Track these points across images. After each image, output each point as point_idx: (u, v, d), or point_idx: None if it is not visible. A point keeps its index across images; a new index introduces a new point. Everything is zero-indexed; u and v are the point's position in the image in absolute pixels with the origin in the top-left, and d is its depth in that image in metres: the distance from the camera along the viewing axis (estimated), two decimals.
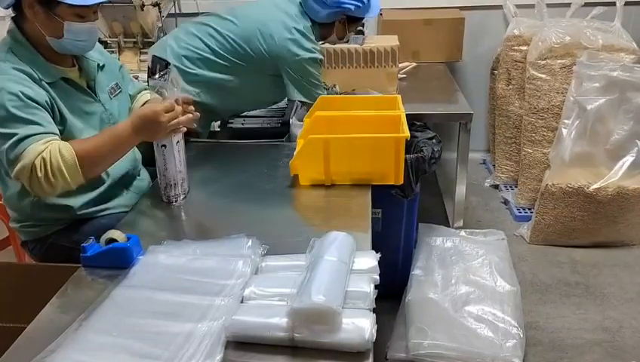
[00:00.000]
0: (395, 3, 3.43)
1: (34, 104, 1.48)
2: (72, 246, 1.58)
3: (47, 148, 1.45)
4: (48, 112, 1.53)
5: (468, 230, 2.58)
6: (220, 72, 2.15)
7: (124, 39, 3.39)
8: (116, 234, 1.36)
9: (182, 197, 1.70)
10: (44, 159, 1.44)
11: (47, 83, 1.56)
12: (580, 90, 2.70)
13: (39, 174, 1.44)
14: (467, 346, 1.89)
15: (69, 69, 1.65)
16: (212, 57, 2.13)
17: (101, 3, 1.55)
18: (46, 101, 1.53)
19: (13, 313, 1.22)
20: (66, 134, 1.58)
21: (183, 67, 2.13)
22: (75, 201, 1.66)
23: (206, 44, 2.14)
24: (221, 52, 2.13)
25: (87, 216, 1.70)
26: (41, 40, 1.56)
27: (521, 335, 1.96)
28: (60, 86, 1.60)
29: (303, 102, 2.27)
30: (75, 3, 1.49)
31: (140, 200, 1.74)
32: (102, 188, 1.72)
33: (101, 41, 3.40)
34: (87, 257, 1.35)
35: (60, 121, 1.58)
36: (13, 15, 1.58)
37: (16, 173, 1.46)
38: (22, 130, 1.44)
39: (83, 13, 1.53)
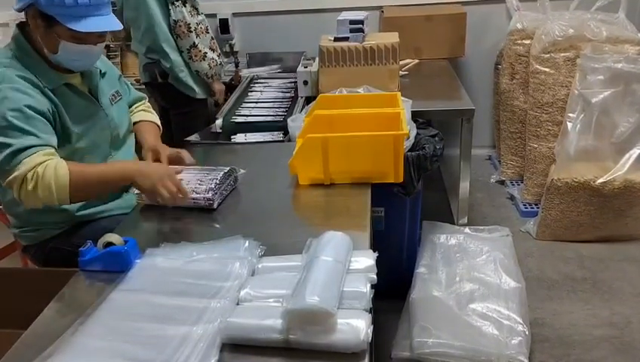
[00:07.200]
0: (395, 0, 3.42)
1: (35, 114, 1.49)
2: (72, 249, 1.57)
3: (44, 162, 1.46)
4: (50, 122, 1.54)
5: (472, 227, 2.55)
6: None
7: (127, 43, 3.40)
8: (114, 237, 1.36)
9: None
10: (37, 173, 1.44)
11: (49, 90, 1.57)
12: (584, 83, 2.68)
13: (29, 187, 1.44)
14: (472, 344, 1.87)
15: (71, 75, 1.66)
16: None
17: (98, 32, 1.54)
18: (48, 109, 1.54)
19: (11, 318, 1.22)
20: (65, 140, 1.60)
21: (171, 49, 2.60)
22: (73, 204, 1.66)
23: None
24: None
25: (85, 218, 1.71)
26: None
27: (527, 332, 1.93)
28: (62, 92, 1.61)
29: None
30: (72, 27, 1.49)
31: (139, 203, 1.73)
32: None
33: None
34: (84, 261, 1.35)
35: (62, 127, 1.59)
36: (21, 20, 1.60)
37: (8, 182, 1.47)
38: (18, 141, 1.45)
39: (81, 37, 1.53)
